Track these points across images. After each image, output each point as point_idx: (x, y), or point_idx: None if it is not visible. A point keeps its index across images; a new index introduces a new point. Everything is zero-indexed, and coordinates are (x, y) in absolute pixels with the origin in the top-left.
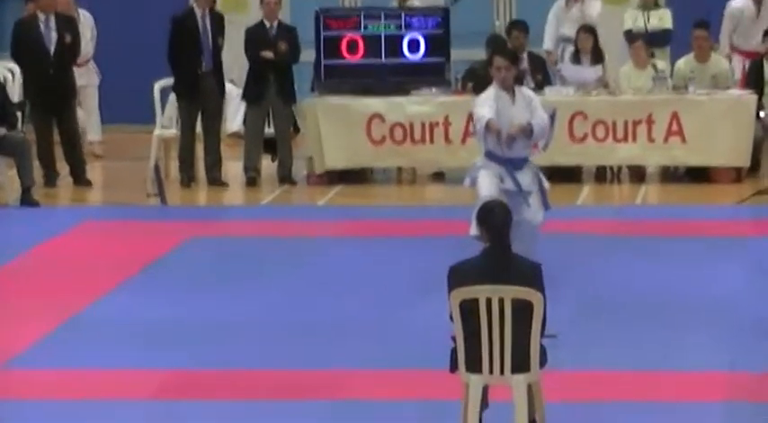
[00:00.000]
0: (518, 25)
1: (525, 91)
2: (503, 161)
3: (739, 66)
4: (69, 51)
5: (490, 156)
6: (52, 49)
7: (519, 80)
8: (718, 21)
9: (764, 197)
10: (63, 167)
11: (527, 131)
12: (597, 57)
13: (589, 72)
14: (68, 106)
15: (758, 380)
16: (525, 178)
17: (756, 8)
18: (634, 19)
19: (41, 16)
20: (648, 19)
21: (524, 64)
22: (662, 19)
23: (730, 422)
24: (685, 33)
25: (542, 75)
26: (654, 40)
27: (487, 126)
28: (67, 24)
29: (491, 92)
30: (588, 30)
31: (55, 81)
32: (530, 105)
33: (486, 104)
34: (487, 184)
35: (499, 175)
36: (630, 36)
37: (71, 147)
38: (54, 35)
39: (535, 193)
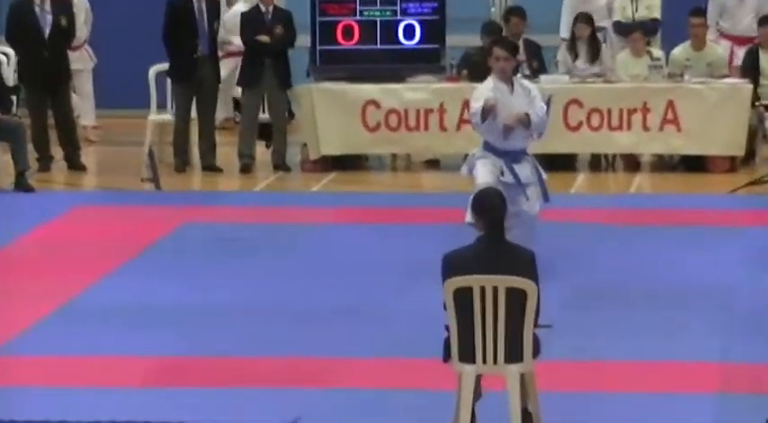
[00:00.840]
0: (517, 11)
1: (524, 82)
2: (501, 153)
3: (726, 50)
4: (64, 35)
5: (488, 148)
6: (47, 32)
7: (515, 68)
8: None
9: (758, 187)
10: (57, 152)
11: (524, 122)
12: (594, 48)
13: (586, 68)
14: (63, 90)
15: (751, 371)
16: (524, 170)
17: None
18: (622, 8)
19: None
20: (637, 8)
21: (522, 53)
22: (649, 8)
23: (723, 414)
24: (678, 21)
25: (538, 62)
26: (642, 29)
27: (483, 106)
28: (63, 7)
29: (489, 83)
30: (585, 19)
31: (50, 65)
32: (528, 96)
33: (483, 97)
34: (485, 173)
35: (498, 166)
36: (620, 27)
37: (66, 131)
38: (49, 18)
39: (533, 184)
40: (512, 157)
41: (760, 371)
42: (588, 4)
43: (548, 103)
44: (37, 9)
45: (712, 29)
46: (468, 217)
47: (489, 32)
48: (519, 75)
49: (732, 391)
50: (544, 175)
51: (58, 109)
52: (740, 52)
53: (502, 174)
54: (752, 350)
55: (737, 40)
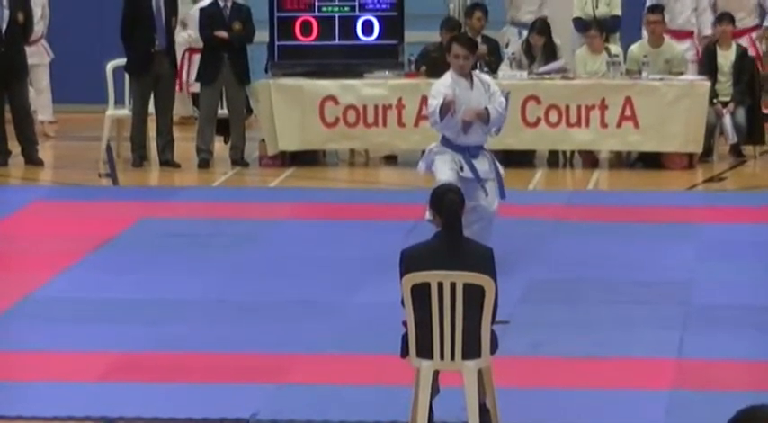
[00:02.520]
0: (480, 7)
1: (483, 76)
2: (459, 149)
3: None
4: (21, 29)
5: (446, 143)
6: (4, 26)
7: (474, 64)
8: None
9: (715, 184)
10: (15, 147)
11: (483, 117)
12: (549, 53)
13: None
14: (20, 85)
15: (707, 367)
16: (482, 166)
17: None
18: (583, 5)
19: None
20: (597, 5)
21: (482, 47)
22: (610, 4)
23: (677, 410)
24: (635, 18)
25: (495, 57)
26: (603, 27)
27: (442, 104)
28: (20, 2)
29: (447, 79)
30: (540, 30)
31: (6, 59)
32: (488, 91)
33: (441, 94)
34: (445, 170)
35: (457, 161)
36: (580, 24)
37: (23, 126)
38: (6, 13)
39: (492, 180)
40: (470, 152)
41: (716, 367)
42: (524, 4)
43: (506, 99)
44: None
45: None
46: (428, 214)
47: (448, 28)
48: (477, 70)
49: (688, 388)
50: (502, 171)
51: (15, 103)
52: (681, 46)
53: (461, 169)
54: (708, 346)
55: (675, 34)
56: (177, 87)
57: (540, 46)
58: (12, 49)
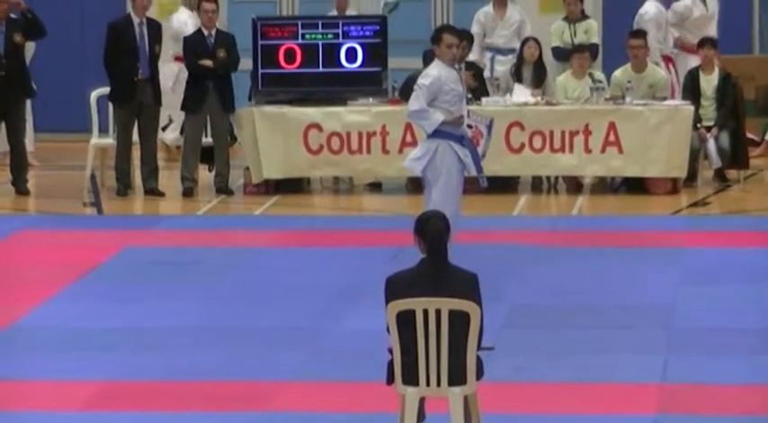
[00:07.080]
0: (465, 34)
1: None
2: (457, 138)
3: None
4: (22, 52)
5: (446, 134)
6: (1, 50)
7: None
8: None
9: (700, 208)
10: (1, 176)
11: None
12: (539, 74)
13: (527, 94)
14: (17, 112)
15: (691, 391)
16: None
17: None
18: (561, 33)
19: None
20: (575, 33)
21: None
22: (588, 32)
23: None
24: (617, 44)
25: (480, 83)
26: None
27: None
28: (18, 25)
29: (440, 72)
30: (536, 41)
31: (5, 85)
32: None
33: (432, 92)
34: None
35: (459, 157)
36: (559, 52)
37: (17, 155)
38: (1, 37)
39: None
40: (462, 142)
41: (700, 391)
42: (504, 21)
43: (489, 127)
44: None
45: (656, 50)
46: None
47: (432, 58)
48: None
49: (672, 412)
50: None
51: (11, 132)
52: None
53: (460, 161)
54: (692, 370)
55: (690, 50)
56: None
57: (534, 60)
58: (12, 73)
